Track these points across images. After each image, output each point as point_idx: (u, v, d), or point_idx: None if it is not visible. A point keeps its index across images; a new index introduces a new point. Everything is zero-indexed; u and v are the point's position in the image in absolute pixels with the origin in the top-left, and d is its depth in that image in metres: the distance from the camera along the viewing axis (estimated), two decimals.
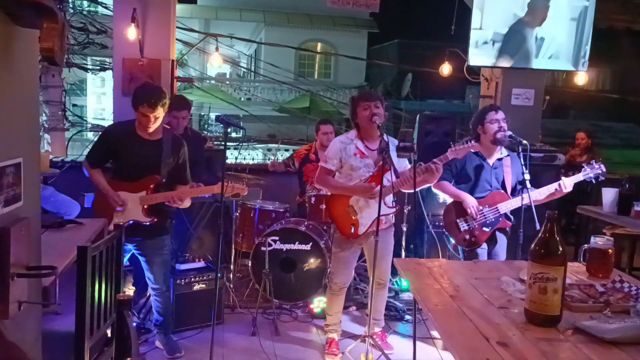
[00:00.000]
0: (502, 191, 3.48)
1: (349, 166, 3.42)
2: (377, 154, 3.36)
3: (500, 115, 3.46)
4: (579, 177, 3.37)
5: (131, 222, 3.24)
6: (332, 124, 4.99)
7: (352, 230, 3.42)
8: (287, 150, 16.25)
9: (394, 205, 3.52)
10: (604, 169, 3.36)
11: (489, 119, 3.45)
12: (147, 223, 3.28)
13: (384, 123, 3.35)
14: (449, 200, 3.59)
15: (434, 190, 3.62)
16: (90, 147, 3.52)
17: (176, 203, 3.30)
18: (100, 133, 3.53)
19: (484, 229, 3.44)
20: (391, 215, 3.53)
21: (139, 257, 3.42)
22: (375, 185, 3.28)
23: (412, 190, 3.10)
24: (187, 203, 3.41)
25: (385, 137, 3.18)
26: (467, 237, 3.46)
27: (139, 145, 3.24)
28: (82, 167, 3.39)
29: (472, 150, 3.36)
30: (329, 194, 3.66)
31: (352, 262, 3.61)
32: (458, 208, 3.49)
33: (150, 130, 3.22)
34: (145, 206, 3.26)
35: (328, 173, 3.48)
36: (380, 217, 3.17)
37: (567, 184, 3.34)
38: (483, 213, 3.42)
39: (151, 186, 3.28)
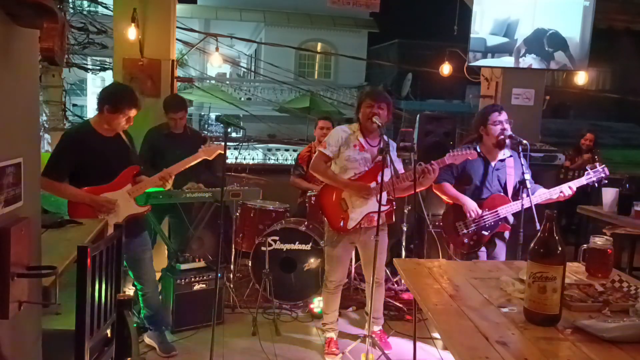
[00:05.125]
0: (503, 194, 3.44)
1: (345, 156, 3.39)
2: (377, 151, 3.36)
3: (504, 116, 3.41)
4: (581, 181, 3.35)
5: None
6: (332, 121, 4.98)
7: (342, 224, 3.41)
8: (287, 150, 16.27)
9: (388, 203, 3.51)
10: (607, 173, 3.33)
11: (492, 120, 3.39)
12: (145, 212, 3.30)
13: (385, 125, 3.32)
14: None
15: (435, 191, 3.60)
16: (49, 161, 3.09)
17: (168, 182, 3.30)
18: (59, 144, 3.17)
19: (483, 232, 3.42)
20: (384, 213, 3.51)
21: (127, 259, 3.27)
22: (370, 186, 3.28)
23: (411, 194, 3.10)
24: (170, 183, 3.40)
25: (385, 137, 3.19)
26: (466, 240, 3.44)
27: (104, 144, 3.16)
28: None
29: (470, 158, 3.34)
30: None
31: (346, 260, 3.60)
32: (457, 211, 3.46)
33: (126, 128, 3.22)
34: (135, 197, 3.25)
35: (326, 160, 3.45)
36: (373, 214, 3.16)
37: (570, 188, 3.33)
38: (482, 216, 3.40)
39: (132, 177, 3.25)
